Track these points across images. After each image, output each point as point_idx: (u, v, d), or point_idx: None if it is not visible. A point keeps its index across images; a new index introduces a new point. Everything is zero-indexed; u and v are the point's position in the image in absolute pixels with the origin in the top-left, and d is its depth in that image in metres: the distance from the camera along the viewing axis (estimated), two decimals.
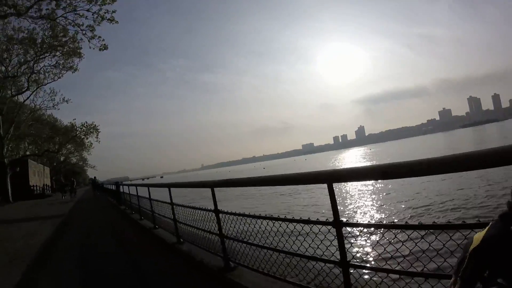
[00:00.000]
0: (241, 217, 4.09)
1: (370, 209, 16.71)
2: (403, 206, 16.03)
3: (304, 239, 3.29)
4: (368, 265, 3.31)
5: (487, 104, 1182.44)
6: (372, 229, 3.14)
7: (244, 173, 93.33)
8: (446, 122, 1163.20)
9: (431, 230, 2.50)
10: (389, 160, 3.01)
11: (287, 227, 3.45)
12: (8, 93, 35.26)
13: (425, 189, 18.90)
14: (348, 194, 21.78)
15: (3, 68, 32.14)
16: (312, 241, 3.19)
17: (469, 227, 2.03)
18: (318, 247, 3.11)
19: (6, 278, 5.84)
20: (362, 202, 18.82)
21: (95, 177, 59.31)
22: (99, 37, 27.37)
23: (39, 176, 48.40)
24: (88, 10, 25.75)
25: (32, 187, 40.77)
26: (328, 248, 3.01)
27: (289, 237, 3.53)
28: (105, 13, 25.95)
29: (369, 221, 3.74)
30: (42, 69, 33.83)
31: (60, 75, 34.97)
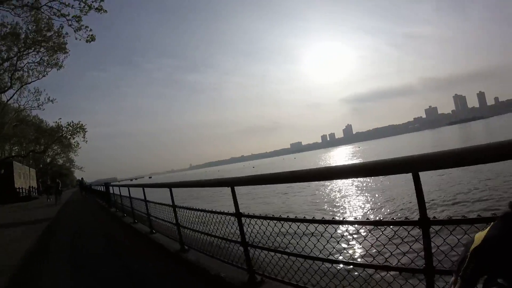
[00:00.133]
0: (266, 220, 3.59)
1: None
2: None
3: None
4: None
5: (473, 102, 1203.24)
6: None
7: (232, 173, 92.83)
8: (432, 120, 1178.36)
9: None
10: (378, 157, 2.64)
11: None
12: None
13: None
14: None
15: None
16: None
17: None
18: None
19: None
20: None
21: (82, 178, 58.32)
22: (86, 27, 25.88)
23: (24, 178, 47.36)
24: None
25: (17, 190, 39.64)
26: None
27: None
28: (93, 1, 24.28)
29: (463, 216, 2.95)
30: (25, 66, 32.54)
31: (45, 73, 33.68)
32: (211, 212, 4.57)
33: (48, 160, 69.91)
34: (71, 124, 38.56)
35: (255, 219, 3.73)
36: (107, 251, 7.64)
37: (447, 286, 1.58)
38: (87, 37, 26.18)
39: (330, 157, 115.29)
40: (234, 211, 3.88)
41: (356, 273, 3.06)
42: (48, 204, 27.35)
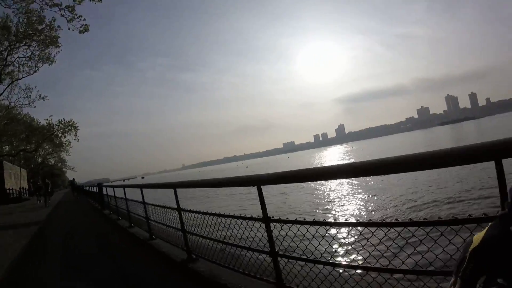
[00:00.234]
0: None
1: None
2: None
3: None
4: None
5: (465, 103, 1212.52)
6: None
7: (226, 172, 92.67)
8: (424, 120, 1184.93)
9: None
10: (372, 157, 2.71)
11: None
12: None
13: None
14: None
15: None
16: None
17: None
18: None
19: None
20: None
21: (73, 179, 57.48)
22: (79, 16, 24.53)
23: (15, 178, 46.44)
24: None
25: (7, 191, 38.46)
26: None
27: None
28: None
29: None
30: (16, 60, 31.12)
31: (36, 68, 32.28)
32: (233, 217, 3.91)
33: (40, 160, 68.70)
34: (62, 122, 37.49)
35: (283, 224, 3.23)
36: (102, 259, 6.93)
37: (447, 287, 1.57)
38: (81, 27, 24.85)
39: (324, 156, 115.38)
40: (261, 215, 3.38)
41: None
42: (38, 206, 25.86)
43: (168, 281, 4.93)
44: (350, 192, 21.04)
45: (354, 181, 23.02)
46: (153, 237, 7.16)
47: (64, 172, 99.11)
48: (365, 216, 14.41)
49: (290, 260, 3.28)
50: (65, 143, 43.48)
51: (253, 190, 3.43)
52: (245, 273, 3.79)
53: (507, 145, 1.81)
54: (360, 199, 18.23)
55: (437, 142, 61.71)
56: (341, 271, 2.97)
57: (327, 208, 16.93)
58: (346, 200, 18.55)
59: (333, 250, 2.91)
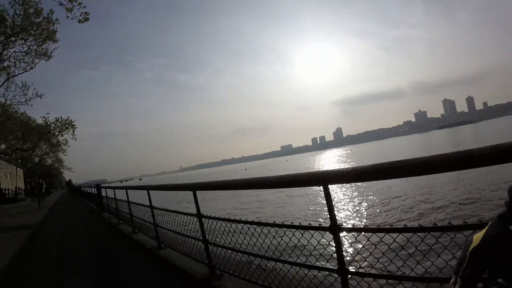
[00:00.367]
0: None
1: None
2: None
3: None
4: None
5: (462, 106, 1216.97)
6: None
7: (225, 175, 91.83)
8: (421, 123, 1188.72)
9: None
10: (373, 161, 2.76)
11: None
12: None
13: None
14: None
15: None
16: None
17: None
18: None
19: None
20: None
21: (70, 180, 56.73)
22: (79, 3, 22.95)
23: (11, 178, 45.77)
24: None
25: (3, 191, 37.66)
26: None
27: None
28: None
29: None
30: (12, 55, 29.78)
31: (33, 64, 31.03)
32: (296, 227, 3.07)
33: (37, 159, 67.96)
34: (59, 120, 36.58)
35: None
36: (103, 272, 5.97)
37: (447, 287, 1.55)
38: (80, 15, 23.19)
39: (323, 159, 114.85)
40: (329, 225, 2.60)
41: None
42: (32, 209, 23.76)
43: None
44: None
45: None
46: (162, 246, 6.28)
47: (61, 173, 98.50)
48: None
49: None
50: (62, 142, 42.66)
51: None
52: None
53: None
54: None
55: (434, 145, 61.67)
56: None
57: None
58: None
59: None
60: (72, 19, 23.02)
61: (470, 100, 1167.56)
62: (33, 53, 30.15)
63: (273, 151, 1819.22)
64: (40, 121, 42.19)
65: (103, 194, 15.00)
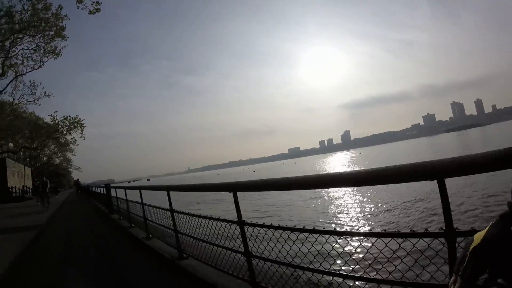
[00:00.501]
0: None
1: None
2: None
3: None
4: None
5: (470, 109, 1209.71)
6: None
7: (233, 176, 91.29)
8: (430, 126, 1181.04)
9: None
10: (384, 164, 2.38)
11: None
12: None
13: None
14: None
15: None
16: None
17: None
18: None
19: None
20: None
21: (78, 179, 56.59)
22: None
23: (19, 177, 45.38)
24: None
25: (10, 189, 37.21)
26: None
27: None
28: None
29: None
30: (20, 52, 29.37)
31: (41, 63, 30.84)
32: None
33: (45, 159, 68.10)
34: (67, 119, 36.21)
35: None
36: (110, 280, 5.24)
37: (447, 286, 1.53)
38: (92, 4, 23.04)
39: (331, 162, 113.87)
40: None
41: None
42: (37, 210, 21.53)
43: None
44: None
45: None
46: (184, 255, 5.39)
47: (70, 172, 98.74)
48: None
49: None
50: (71, 141, 42.34)
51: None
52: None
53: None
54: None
55: (443, 148, 60.72)
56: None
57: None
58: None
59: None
60: (82, 9, 22.47)
61: (479, 103, 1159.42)
62: (41, 51, 29.80)
63: (280, 153, 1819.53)
64: (48, 119, 41.98)
65: (113, 194, 14.29)
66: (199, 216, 4.53)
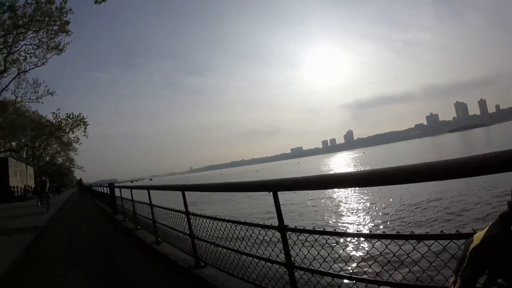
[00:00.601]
0: None
1: None
2: None
3: None
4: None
5: (474, 109, 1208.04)
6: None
7: (235, 176, 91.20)
8: (433, 126, 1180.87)
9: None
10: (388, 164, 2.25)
11: None
12: None
13: None
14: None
15: None
16: None
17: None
18: None
19: None
20: None
21: (81, 179, 56.42)
22: None
23: (21, 176, 45.15)
24: None
25: (12, 188, 36.87)
26: None
27: None
28: None
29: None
30: (22, 48, 28.91)
31: (44, 60, 30.23)
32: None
33: (48, 158, 67.92)
34: (70, 116, 35.70)
35: None
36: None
37: (447, 286, 1.53)
38: None
39: (334, 161, 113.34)
40: None
41: None
42: (37, 212, 20.26)
43: None
44: None
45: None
46: (201, 263, 4.70)
47: (72, 172, 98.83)
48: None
49: None
50: (74, 140, 41.93)
51: None
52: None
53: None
54: None
55: (445, 149, 60.51)
56: None
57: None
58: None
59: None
60: None
61: (482, 103, 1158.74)
62: (44, 47, 29.20)
63: (283, 153, 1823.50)
64: (50, 117, 41.51)
65: (117, 194, 13.73)
66: (226, 221, 3.85)
